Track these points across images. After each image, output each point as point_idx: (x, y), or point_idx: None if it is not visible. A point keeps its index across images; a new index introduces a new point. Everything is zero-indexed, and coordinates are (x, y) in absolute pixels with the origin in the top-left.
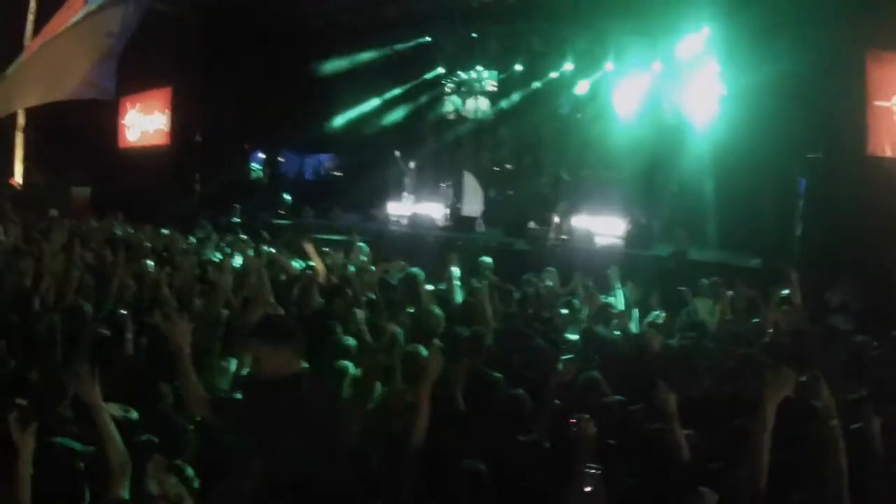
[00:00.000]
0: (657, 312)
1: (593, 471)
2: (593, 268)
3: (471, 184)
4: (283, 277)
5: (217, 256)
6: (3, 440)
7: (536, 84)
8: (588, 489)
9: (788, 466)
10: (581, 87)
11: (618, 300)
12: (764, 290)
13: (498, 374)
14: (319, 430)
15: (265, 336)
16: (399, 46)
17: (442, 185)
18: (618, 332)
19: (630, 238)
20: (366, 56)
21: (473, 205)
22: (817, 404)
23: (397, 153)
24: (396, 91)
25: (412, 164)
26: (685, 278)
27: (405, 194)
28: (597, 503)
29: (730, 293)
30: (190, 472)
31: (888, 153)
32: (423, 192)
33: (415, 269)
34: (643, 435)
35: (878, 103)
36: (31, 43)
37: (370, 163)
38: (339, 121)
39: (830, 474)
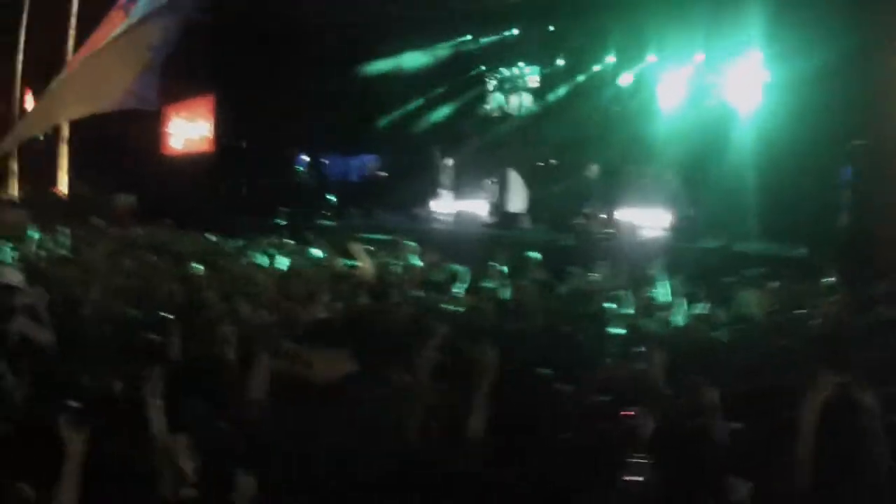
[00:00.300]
0: (703, 305)
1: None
2: (639, 261)
3: (516, 180)
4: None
5: (263, 259)
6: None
7: (579, 78)
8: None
9: (832, 466)
10: (624, 80)
11: (664, 293)
12: (810, 280)
13: (544, 371)
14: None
15: (317, 340)
16: (441, 45)
17: (486, 181)
18: (664, 326)
19: (676, 230)
20: (408, 57)
21: (518, 201)
22: (860, 403)
23: (436, 152)
24: (439, 90)
25: (450, 162)
26: (731, 270)
27: (443, 192)
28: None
29: (775, 284)
30: None
31: None
32: (466, 190)
33: (457, 267)
34: (685, 430)
35: None
36: (72, 57)
37: (414, 162)
38: (383, 122)
39: (873, 472)
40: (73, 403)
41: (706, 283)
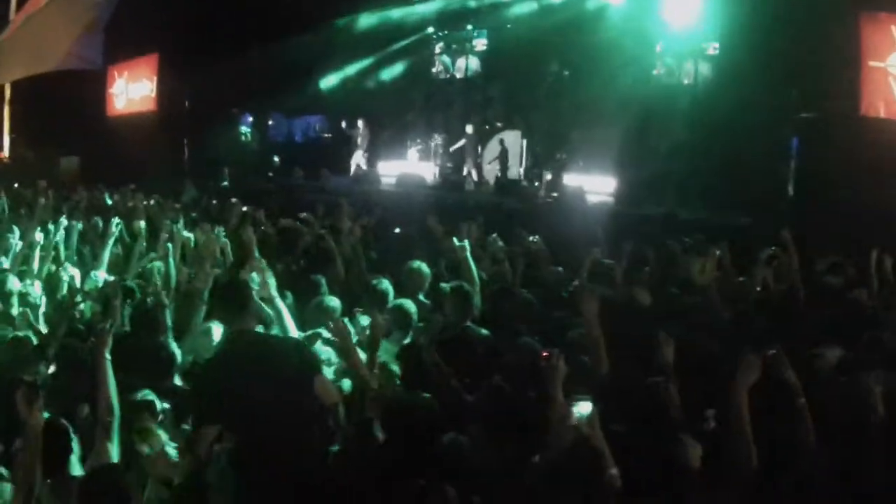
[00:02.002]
0: (645, 269)
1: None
2: (584, 226)
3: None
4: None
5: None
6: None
7: (527, 42)
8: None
9: (769, 445)
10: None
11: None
12: (753, 248)
13: (484, 331)
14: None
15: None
16: (389, 8)
17: (434, 143)
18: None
19: (620, 196)
20: (355, 17)
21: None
22: (785, 380)
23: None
24: (387, 51)
25: (360, 125)
26: (674, 237)
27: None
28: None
29: (717, 251)
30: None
31: (882, 114)
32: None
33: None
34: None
35: (872, 63)
36: (15, 17)
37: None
38: (329, 83)
39: (803, 448)
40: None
41: (650, 248)
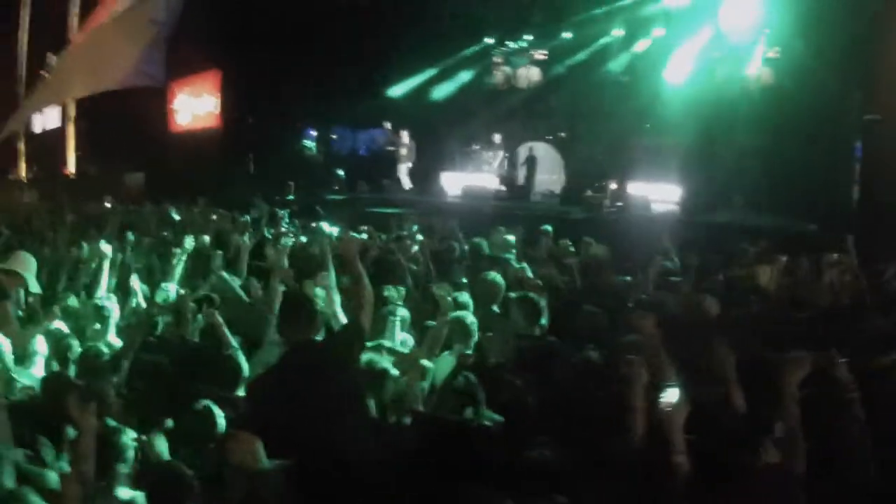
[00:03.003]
0: (713, 278)
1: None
2: (649, 235)
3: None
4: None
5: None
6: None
7: (587, 51)
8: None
9: (818, 444)
10: (631, 54)
11: (673, 267)
12: (821, 254)
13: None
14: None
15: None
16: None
17: (496, 155)
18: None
19: (686, 205)
20: (415, 32)
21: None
22: (836, 377)
23: (387, 125)
24: (446, 64)
25: (405, 138)
26: (740, 244)
27: (451, 166)
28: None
29: (785, 258)
30: None
31: None
32: (475, 164)
33: (478, 239)
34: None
35: None
36: (76, 35)
37: (423, 136)
38: (391, 95)
39: (853, 448)
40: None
41: (717, 256)
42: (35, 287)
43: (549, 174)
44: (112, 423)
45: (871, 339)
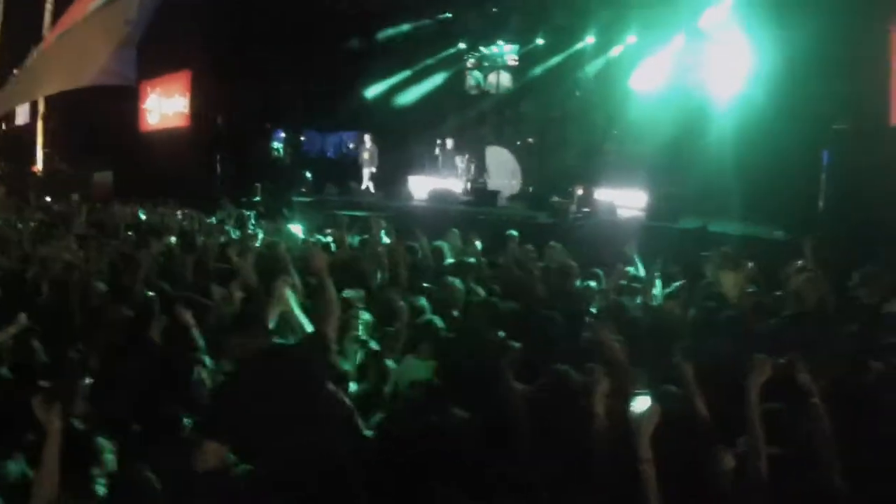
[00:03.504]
0: (677, 284)
1: None
2: (615, 240)
3: (493, 158)
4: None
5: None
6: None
7: (559, 58)
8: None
9: (783, 447)
10: (603, 61)
11: (637, 273)
12: (788, 262)
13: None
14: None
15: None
16: (420, 23)
17: (458, 159)
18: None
19: (652, 211)
20: (386, 34)
21: (501, 179)
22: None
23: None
24: (417, 68)
25: (368, 143)
26: (707, 251)
27: (418, 169)
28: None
29: (750, 265)
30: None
31: None
32: (443, 168)
33: (440, 242)
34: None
35: None
36: (49, 33)
37: (392, 140)
38: (361, 99)
39: (820, 452)
40: (45, 383)
41: (682, 263)
42: None
43: (508, 179)
44: (79, 426)
45: (836, 345)
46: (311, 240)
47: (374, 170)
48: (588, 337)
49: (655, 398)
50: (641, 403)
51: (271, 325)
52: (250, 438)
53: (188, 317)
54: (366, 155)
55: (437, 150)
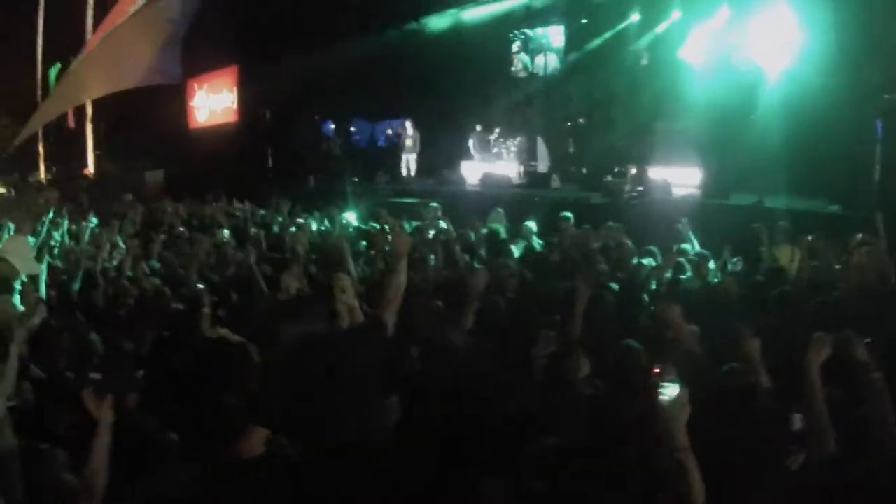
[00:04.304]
0: (735, 260)
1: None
2: (669, 218)
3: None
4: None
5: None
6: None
7: (605, 37)
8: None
9: (843, 424)
10: (650, 38)
11: (693, 250)
12: (845, 236)
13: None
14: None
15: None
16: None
17: (510, 143)
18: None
19: (706, 187)
20: (432, 19)
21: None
22: (857, 359)
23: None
24: (465, 52)
25: (478, 126)
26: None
27: (471, 154)
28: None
29: (810, 238)
30: None
31: None
32: (495, 152)
33: (495, 225)
34: (729, 384)
35: None
36: (92, 36)
37: (441, 126)
38: (408, 86)
39: (879, 428)
40: (96, 375)
41: (738, 239)
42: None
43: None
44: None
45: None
46: (367, 227)
47: (415, 156)
48: (656, 315)
49: (721, 376)
50: (672, 391)
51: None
52: (298, 426)
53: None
54: (408, 142)
55: (489, 135)
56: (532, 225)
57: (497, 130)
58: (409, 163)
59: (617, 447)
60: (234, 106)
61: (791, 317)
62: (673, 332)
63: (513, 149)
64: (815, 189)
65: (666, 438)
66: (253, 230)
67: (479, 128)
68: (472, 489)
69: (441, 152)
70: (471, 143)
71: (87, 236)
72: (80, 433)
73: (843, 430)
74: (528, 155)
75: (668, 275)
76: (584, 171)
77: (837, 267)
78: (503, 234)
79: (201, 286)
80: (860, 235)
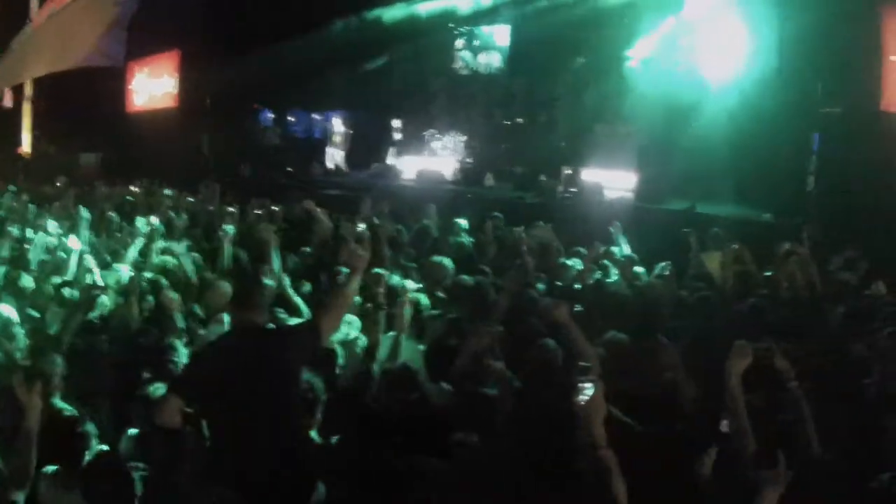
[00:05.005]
0: (663, 264)
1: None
2: (601, 221)
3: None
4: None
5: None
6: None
7: (550, 38)
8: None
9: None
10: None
11: (621, 252)
12: (776, 244)
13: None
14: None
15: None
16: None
17: (446, 139)
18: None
19: (640, 192)
20: (374, 13)
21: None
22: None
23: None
24: (407, 47)
25: (337, 122)
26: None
27: (407, 149)
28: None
29: (735, 245)
30: None
31: None
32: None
33: (427, 222)
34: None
35: (893, 58)
36: (37, 14)
37: (379, 120)
38: (349, 79)
39: (801, 432)
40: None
41: (669, 243)
42: None
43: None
44: (66, 408)
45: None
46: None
47: (343, 150)
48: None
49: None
50: (587, 389)
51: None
52: (215, 409)
53: (169, 297)
54: (337, 138)
55: (426, 131)
56: (463, 222)
57: (435, 127)
58: (334, 157)
59: (536, 445)
60: (174, 91)
61: (713, 322)
62: (562, 332)
63: (449, 146)
64: (752, 197)
65: (584, 437)
66: (184, 218)
67: (436, 123)
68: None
69: (376, 147)
70: (399, 137)
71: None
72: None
73: (765, 434)
74: (464, 153)
75: (597, 276)
76: (519, 170)
77: (766, 274)
78: (435, 231)
79: (132, 274)
80: (787, 245)
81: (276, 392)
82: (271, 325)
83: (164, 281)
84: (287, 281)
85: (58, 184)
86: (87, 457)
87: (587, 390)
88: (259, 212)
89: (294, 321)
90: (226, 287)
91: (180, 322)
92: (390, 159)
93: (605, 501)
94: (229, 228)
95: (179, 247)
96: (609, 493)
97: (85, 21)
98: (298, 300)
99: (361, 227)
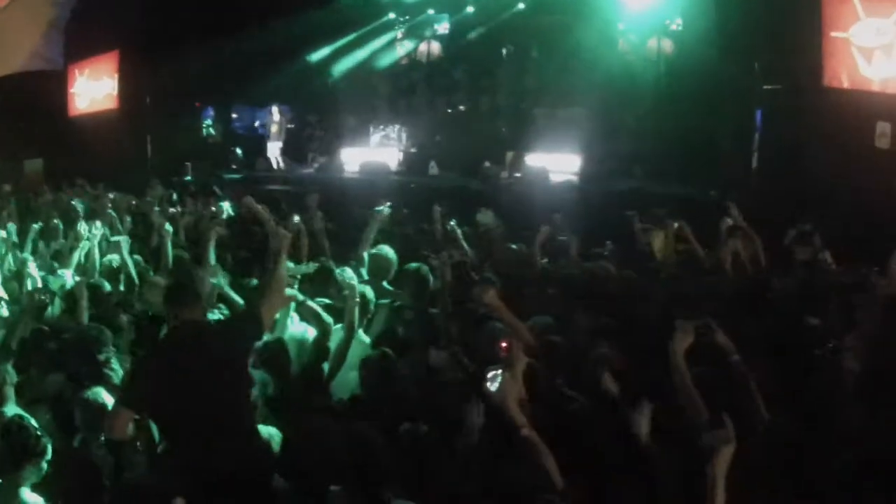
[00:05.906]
0: (608, 245)
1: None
2: (546, 205)
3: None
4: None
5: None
6: None
7: (489, 25)
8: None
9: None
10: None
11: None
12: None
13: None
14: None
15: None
16: None
17: (389, 129)
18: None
19: (585, 174)
20: (315, 7)
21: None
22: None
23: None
24: (347, 39)
25: (276, 116)
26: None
27: (351, 142)
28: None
29: (677, 224)
30: None
31: (845, 84)
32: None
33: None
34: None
35: (834, 34)
36: None
37: (321, 113)
38: (290, 73)
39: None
40: None
41: (614, 224)
42: None
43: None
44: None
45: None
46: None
47: (280, 144)
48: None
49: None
50: (493, 376)
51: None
52: (167, 411)
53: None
54: (274, 128)
55: (368, 123)
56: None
57: (377, 117)
58: (273, 150)
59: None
60: (115, 92)
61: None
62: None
63: (392, 135)
64: (697, 175)
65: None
66: (129, 220)
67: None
68: None
69: (318, 139)
70: (341, 129)
71: None
72: None
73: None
74: (407, 142)
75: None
76: (462, 157)
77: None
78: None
79: (79, 279)
80: (729, 221)
81: (224, 385)
82: (211, 320)
83: (106, 285)
84: (226, 279)
85: (2, 191)
86: (44, 465)
87: (497, 377)
88: (202, 210)
89: (233, 313)
90: (165, 285)
91: (123, 323)
92: (333, 152)
93: (538, 477)
94: (170, 228)
95: (123, 241)
96: (541, 468)
97: (21, 24)
98: (236, 297)
99: (296, 219)
